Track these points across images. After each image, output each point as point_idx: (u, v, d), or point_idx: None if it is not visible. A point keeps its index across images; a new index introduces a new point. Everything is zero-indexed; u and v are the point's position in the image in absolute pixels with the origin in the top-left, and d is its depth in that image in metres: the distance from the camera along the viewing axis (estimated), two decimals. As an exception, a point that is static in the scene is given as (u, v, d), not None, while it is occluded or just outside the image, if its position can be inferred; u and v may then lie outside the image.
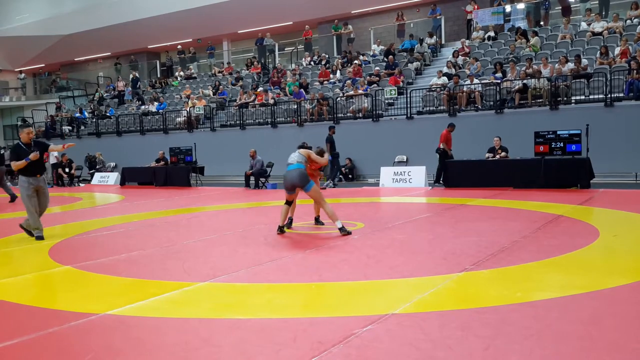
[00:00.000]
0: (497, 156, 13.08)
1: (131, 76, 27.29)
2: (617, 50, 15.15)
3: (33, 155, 7.12)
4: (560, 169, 11.89)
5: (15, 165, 7.11)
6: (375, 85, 18.38)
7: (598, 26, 16.94)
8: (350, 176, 16.83)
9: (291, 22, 25.77)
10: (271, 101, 19.61)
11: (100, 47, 30.46)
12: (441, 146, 13.32)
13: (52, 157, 20.53)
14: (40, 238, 7.36)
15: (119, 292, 4.69)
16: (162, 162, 18.56)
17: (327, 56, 22.57)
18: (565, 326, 3.43)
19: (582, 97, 14.50)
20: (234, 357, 3.12)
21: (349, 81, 18.69)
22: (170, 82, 26.55)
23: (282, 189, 7.49)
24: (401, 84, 17.93)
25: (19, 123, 27.30)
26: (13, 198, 13.31)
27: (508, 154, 13.05)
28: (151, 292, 4.52)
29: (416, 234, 7.03)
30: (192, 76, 26.04)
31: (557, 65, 15.12)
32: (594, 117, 13.24)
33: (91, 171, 21.63)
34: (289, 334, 3.43)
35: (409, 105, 16.52)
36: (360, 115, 17.61)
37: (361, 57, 20.65)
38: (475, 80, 16.10)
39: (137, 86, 26.70)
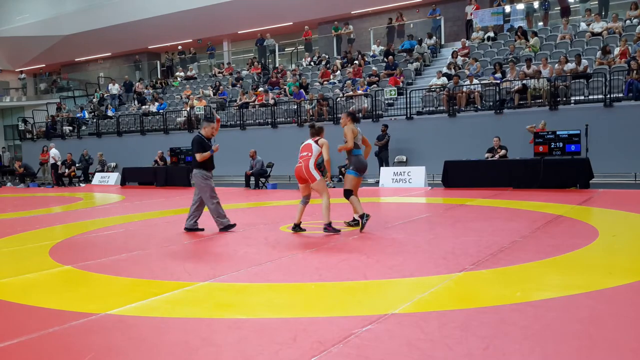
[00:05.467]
0: (497, 155, 13.09)
1: (124, 80, 27.18)
2: (617, 51, 15.16)
3: (215, 147, 7.83)
4: (559, 169, 11.90)
5: (202, 156, 7.66)
6: (375, 85, 18.38)
7: (597, 26, 16.95)
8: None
9: (291, 23, 25.78)
10: (271, 101, 19.61)
11: (100, 47, 30.47)
12: None
13: (52, 158, 20.51)
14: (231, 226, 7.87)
15: (119, 292, 4.70)
16: (162, 162, 18.58)
17: (327, 56, 22.58)
18: (565, 326, 3.43)
19: (582, 98, 14.51)
20: (234, 357, 3.13)
21: (348, 81, 18.70)
22: (170, 82, 26.55)
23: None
24: (401, 84, 17.94)
25: (20, 123, 27.32)
26: None
27: (507, 153, 13.06)
28: (151, 292, 4.52)
29: (416, 234, 7.03)
30: (192, 76, 26.04)
31: (556, 65, 15.12)
32: (594, 118, 13.26)
33: (89, 171, 21.53)
34: (289, 333, 3.44)
35: (408, 106, 16.54)
36: (360, 115, 17.60)
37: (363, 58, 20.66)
38: (475, 81, 16.11)
39: (132, 90, 26.50)
